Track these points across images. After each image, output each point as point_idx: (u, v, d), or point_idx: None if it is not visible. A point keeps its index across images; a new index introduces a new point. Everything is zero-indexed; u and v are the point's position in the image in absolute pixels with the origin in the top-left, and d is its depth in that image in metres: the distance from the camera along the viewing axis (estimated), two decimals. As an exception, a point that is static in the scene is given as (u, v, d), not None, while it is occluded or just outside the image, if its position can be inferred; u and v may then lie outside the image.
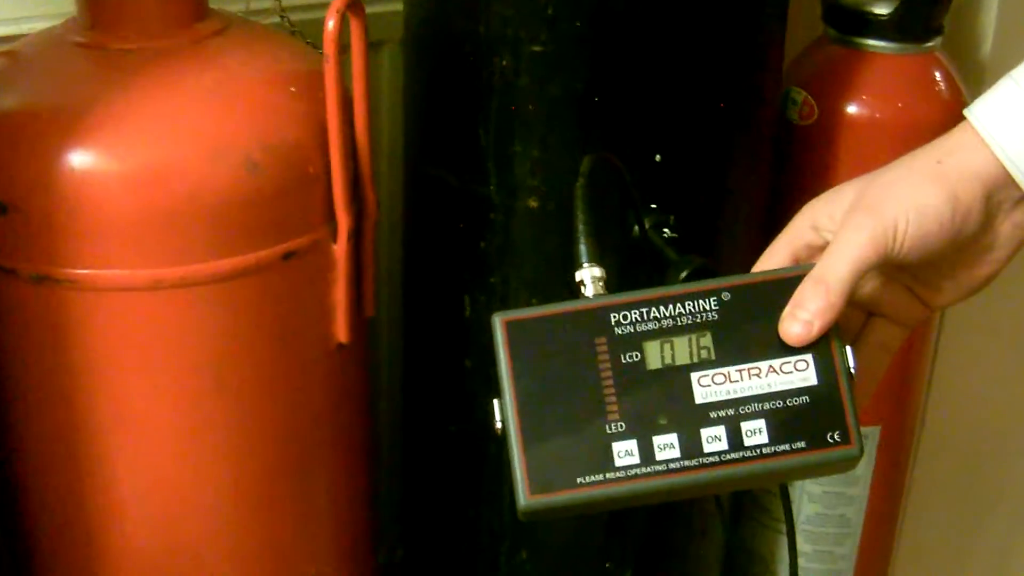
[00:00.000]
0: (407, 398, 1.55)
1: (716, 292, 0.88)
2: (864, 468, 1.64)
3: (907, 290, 0.94)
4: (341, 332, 1.25)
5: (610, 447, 0.84)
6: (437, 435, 1.47)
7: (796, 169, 1.52)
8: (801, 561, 1.68)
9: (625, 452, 0.84)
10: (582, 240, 0.98)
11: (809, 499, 1.64)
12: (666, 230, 1.26)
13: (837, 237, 0.87)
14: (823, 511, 1.64)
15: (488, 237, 1.31)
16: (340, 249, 1.22)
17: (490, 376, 1.36)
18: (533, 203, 1.28)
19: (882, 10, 1.49)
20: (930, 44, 1.52)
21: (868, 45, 1.50)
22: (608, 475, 0.84)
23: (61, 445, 1.19)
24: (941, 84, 1.51)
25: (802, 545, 1.66)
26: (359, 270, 1.26)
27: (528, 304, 1.25)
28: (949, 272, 0.92)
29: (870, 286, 0.93)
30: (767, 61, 1.38)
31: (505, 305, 1.33)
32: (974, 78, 1.61)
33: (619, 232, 1.25)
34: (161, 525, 1.22)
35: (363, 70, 1.22)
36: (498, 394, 0.86)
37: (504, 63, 1.25)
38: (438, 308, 1.41)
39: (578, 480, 0.83)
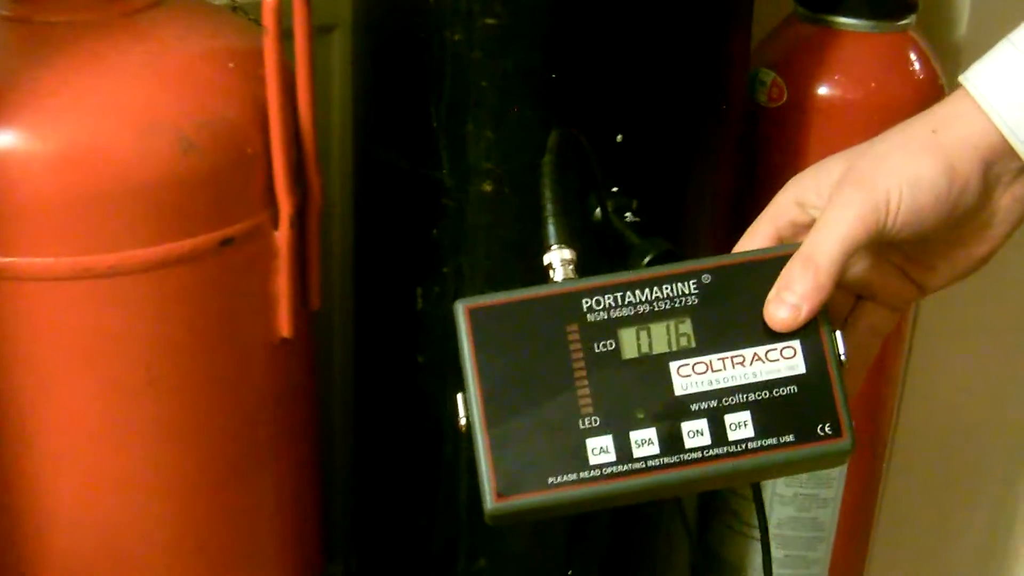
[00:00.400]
0: (359, 397, 1.48)
1: (696, 274, 0.82)
2: (838, 469, 1.58)
3: (899, 271, 0.88)
4: (284, 326, 1.17)
5: (584, 444, 0.79)
6: (389, 436, 1.40)
7: (764, 153, 1.46)
8: (773, 567, 1.61)
9: (600, 449, 0.79)
10: (551, 220, 0.92)
11: (781, 502, 1.57)
12: (628, 214, 1.20)
13: (825, 214, 0.81)
14: (795, 514, 1.58)
15: (441, 224, 1.24)
16: (282, 236, 1.15)
17: (444, 373, 1.31)
18: (487, 187, 1.21)
19: (854, -14, 1.44)
20: (904, 22, 1.46)
21: (840, 23, 1.44)
22: (582, 474, 0.78)
23: (-18, 446, 1.11)
24: (916, 64, 1.45)
25: (774, 550, 1.60)
26: (303, 259, 1.19)
27: (484, 296, 1.19)
28: (944, 250, 0.86)
29: (859, 267, 0.87)
30: (733, 40, 1.32)
31: (458, 296, 1.26)
32: (949, 58, 1.55)
33: (579, 216, 1.18)
34: (91, 528, 1.14)
35: (306, 45, 1.14)
36: (462, 388, 0.80)
37: (456, 37, 1.18)
38: (389, 300, 1.34)
39: (549, 480, 0.78)
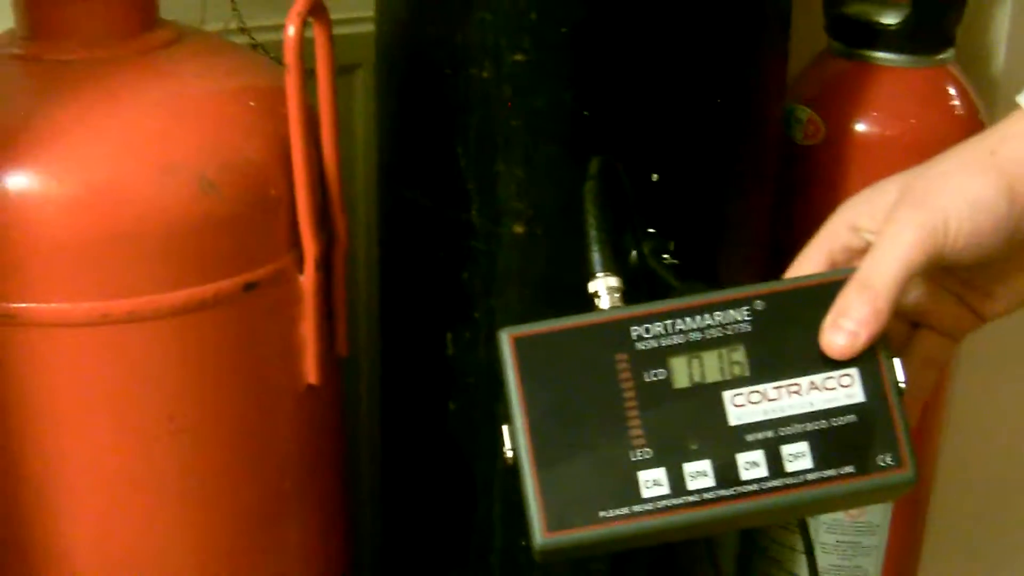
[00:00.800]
0: (386, 447, 1.44)
1: (748, 300, 0.79)
2: (881, 517, 1.54)
3: (956, 298, 0.84)
4: (310, 372, 1.14)
5: (636, 476, 0.76)
6: (419, 488, 1.36)
7: (802, 192, 1.42)
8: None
9: (653, 482, 0.76)
10: (595, 247, 0.91)
11: (823, 550, 1.53)
12: (666, 256, 1.16)
13: (882, 236, 0.78)
14: (838, 562, 1.53)
15: (470, 267, 1.20)
16: (307, 280, 1.11)
17: (476, 421, 1.27)
18: (519, 228, 1.18)
19: (891, 20, 1.41)
20: (942, 56, 1.43)
21: (876, 58, 1.41)
22: (635, 508, 0.75)
23: (-2, 496, 1.07)
24: (955, 98, 1.42)
25: (816, 599, 1.55)
26: (329, 304, 1.15)
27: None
28: (1003, 276, 0.83)
29: (916, 293, 0.84)
30: (769, 76, 1.28)
31: (490, 342, 1.22)
32: (987, 92, 1.52)
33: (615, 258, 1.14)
34: (109, 583, 1.10)
35: (329, 82, 1.11)
36: (507, 419, 0.77)
37: (484, 74, 1.14)
38: (418, 346, 1.30)
39: (600, 514, 0.75)
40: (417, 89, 1.22)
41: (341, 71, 1.11)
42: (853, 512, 1.50)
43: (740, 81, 1.23)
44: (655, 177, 1.17)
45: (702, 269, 1.20)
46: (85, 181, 1.01)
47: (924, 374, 0.86)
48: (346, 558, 1.30)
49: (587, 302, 0.89)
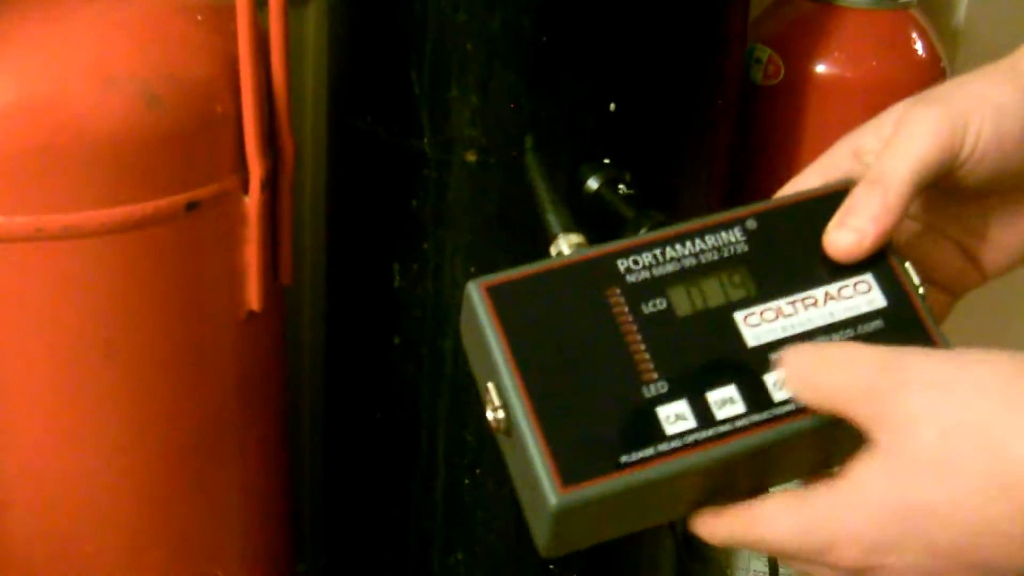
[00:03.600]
0: (329, 381, 1.41)
1: (739, 221, 0.73)
2: None
3: (958, 249, 0.79)
4: (252, 299, 1.10)
5: (654, 412, 0.68)
6: (362, 423, 1.32)
7: (759, 132, 1.40)
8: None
9: (675, 416, 0.68)
10: (550, 210, 0.87)
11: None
12: (621, 186, 1.13)
13: (895, 134, 0.71)
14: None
15: (420, 196, 1.17)
16: (252, 202, 1.07)
17: (421, 355, 1.24)
18: (471, 157, 1.14)
19: (856, -39, 1.38)
20: (905, 0, 1.39)
21: (840, 0, 1.38)
22: (660, 447, 0.67)
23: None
24: (916, 42, 1.40)
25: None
26: (274, 229, 1.11)
27: (466, 274, 1.11)
28: (1009, 219, 0.77)
29: (917, 239, 0.78)
30: (730, 14, 1.25)
31: (439, 275, 1.19)
32: (948, 40, 1.49)
33: (570, 189, 1.11)
34: (41, 514, 1.06)
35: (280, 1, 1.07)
36: (488, 375, 0.69)
37: (440, -4, 1.11)
38: (364, 278, 1.26)
39: (622, 459, 0.66)
40: (371, 14, 1.19)
41: (294, 1, 1.07)
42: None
43: (701, 17, 1.20)
44: (612, 107, 1.14)
45: (660, 203, 1.16)
46: (22, 90, 0.97)
47: None
48: (287, 493, 1.26)
49: (540, 237, 0.85)
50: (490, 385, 0.69)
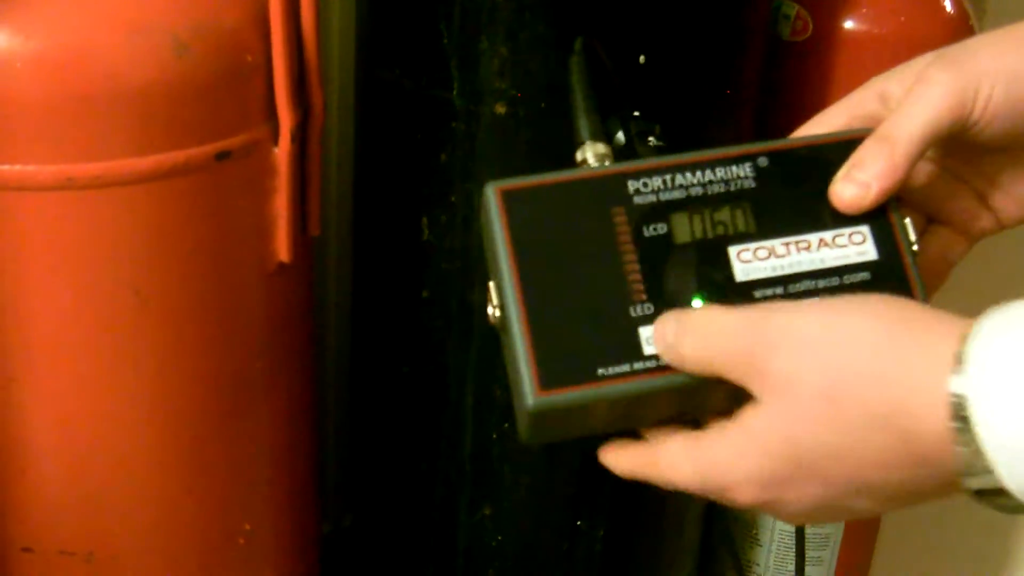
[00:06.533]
0: (356, 334, 1.40)
1: (751, 157, 0.75)
2: (834, 527, 1.56)
3: (975, 193, 0.80)
4: (282, 250, 1.10)
5: (636, 332, 0.72)
6: (389, 378, 1.32)
7: (787, 90, 1.39)
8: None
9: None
10: (582, 115, 0.88)
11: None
12: (651, 138, 1.12)
13: (909, 93, 0.74)
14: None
15: (449, 148, 1.17)
16: (282, 152, 1.07)
17: (449, 309, 1.23)
18: (501, 109, 1.14)
19: (885, -87, 1.36)
20: (935, -46, 1.39)
21: (869, -45, 1.37)
22: (635, 365, 0.71)
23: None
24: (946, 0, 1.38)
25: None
26: (303, 179, 1.11)
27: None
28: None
29: (933, 179, 0.80)
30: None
31: (468, 228, 1.19)
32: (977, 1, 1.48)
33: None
34: (68, 460, 1.06)
35: (310, -52, 1.07)
36: (493, 275, 0.73)
37: (469, -53, 1.10)
38: (392, 230, 1.26)
39: (599, 371, 0.71)
40: (399, -37, 1.19)
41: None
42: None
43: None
44: (642, 59, 1.13)
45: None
46: (53, 39, 0.96)
47: (936, 271, 0.82)
48: (313, 447, 1.26)
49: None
50: (492, 284, 0.73)
